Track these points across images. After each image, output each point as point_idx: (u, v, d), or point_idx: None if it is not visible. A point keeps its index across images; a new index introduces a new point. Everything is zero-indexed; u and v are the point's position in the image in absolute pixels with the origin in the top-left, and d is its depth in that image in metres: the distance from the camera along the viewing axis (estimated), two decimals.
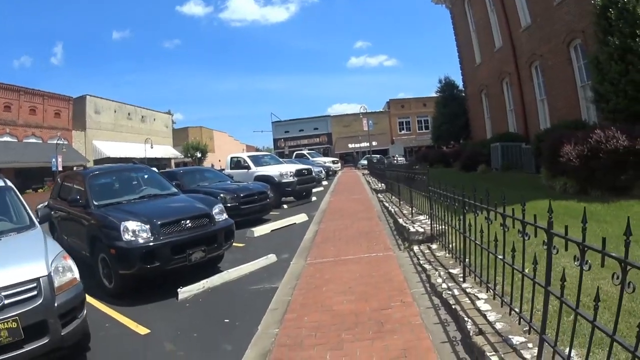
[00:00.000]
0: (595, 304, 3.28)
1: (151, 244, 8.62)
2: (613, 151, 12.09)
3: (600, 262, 3.16)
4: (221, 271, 9.77)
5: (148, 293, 8.77)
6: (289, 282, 8.43)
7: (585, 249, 3.40)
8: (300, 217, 16.52)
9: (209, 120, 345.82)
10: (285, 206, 21.25)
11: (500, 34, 30.84)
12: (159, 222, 8.97)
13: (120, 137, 63.37)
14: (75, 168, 51.19)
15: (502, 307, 5.28)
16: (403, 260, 8.96)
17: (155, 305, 8.23)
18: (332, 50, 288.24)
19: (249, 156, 24.80)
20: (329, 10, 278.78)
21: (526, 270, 4.62)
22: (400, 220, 11.79)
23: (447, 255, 8.16)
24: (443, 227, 8.41)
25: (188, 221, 9.38)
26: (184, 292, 8.50)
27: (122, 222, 8.71)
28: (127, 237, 8.55)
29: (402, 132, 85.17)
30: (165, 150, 75.48)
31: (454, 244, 7.62)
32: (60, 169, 43.51)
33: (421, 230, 9.94)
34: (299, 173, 22.51)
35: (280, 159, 27.96)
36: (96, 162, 55.52)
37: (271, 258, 10.61)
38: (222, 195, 15.88)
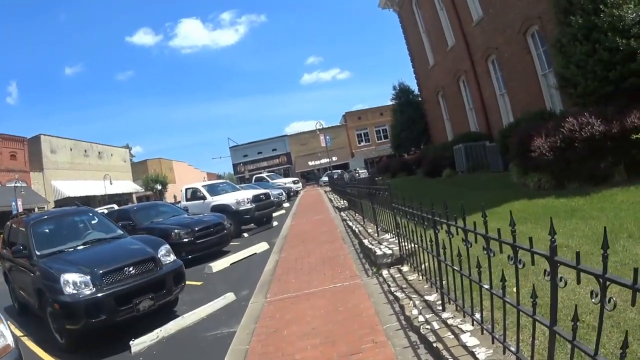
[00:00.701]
0: (622, 352, 2.47)
1: (95, 296, 7.85)
2: (589, 138, 11.36)
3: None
4: (177, 316, 8.93)
5: (102, 346, 8.09)
6: (247, 325, 7.46)
7: (607, 283, 2.51)
8: (261, 246, 15.57)
9: (169, 151, 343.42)
10: (245, 235, 20.21)
11: (452, 31, 30.02)
12: (100, 272, 8.20)
13: (79, 176, 62.28)
14: (36, 210, 50.52)
15: (493, 343, 4.37)
16: (372, 288, 7.98)
17: None
18: (285, 68, 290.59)
19: (203, 186, 23.60)
20: (277, 28, 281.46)
21: (522, 302, 3.75)
22: (366, 241, 10.84)
23: (421, 278, 7.21)
24: (413, 246, 7.50)
25: (131, 268, 8.58)
26: (137, 344, 7.67)
27: (62, 275, 8.00)
28: (68, 290, 7.85)
29: (362, 144, 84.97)
30: (126, 185, 74.62)
31: (427, 264, 6.66)
32: (20, 211, 42.61)
33: (389, 252, 8.97)
34: (256, 199, 21.55)
35: (237, 186, 26.86)
36: (57, 202, 54.69)
37: (229, 297, 9.67)
38: (176, 231, 15.07)
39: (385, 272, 8.39)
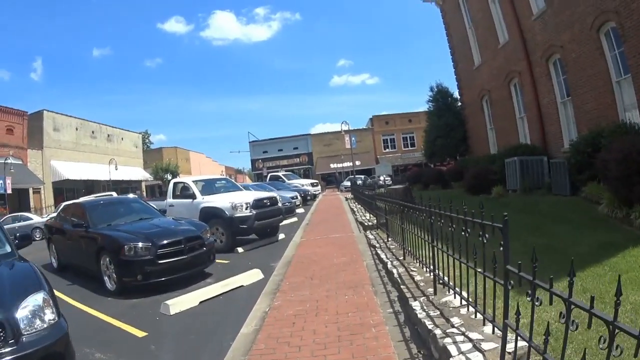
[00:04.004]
0: None
1: None
2: None
3: None
4: None
5: None
6: None
7: None
8: (252, 275, 10.99)
9: (191, 141, 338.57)
10: (240, 250, 15.52)
11: (506, 25, 25.62)
12: None
13: (83, 158, 58.93)
14: (30, 190, 47.29)
15: None
16: None
17: None
18: (315, 69, 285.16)
19: (194, 181, 18.71)
20: (311, 28, 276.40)
21: None
22: (416, 306, 6.20)
23: None
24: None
25: None
26: None
27: None
28: None
29: (387, 150, 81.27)
30: (135, 172, 71.06)
31: None
32: (9, 191, 39.32)
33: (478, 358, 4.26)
34: (258, 204, 16.53)
35: (240, 184, 21.69)
36: (54, 184, 52.69)
37: None
38: (131, 244, 10.50)
39: None
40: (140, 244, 10.52)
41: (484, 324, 4.93)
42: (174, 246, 10.92)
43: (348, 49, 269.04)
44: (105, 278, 10.98)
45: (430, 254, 7.04)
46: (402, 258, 9.59)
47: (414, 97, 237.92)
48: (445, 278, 6.42)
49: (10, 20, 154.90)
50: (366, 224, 16.99)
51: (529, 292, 3.47)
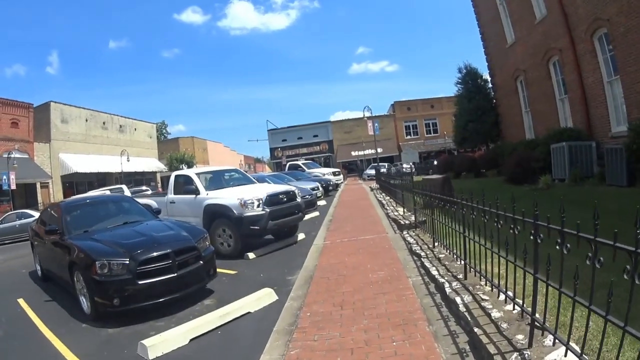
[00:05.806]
0: None
1: None
2: None
3: None
4: None
5: None
6: None
7: None
8: (262, 297, 8.43)
9: (210, 132, 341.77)
10: (250, 255, 12.96)
11: None
12: None
13: (93, 150, 57.67)
14: (38, 185, 45.62)
15: None
16: None
17: None
18: (334, 57, 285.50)
19: (198, 174, 15.60)
20: (330, 16, 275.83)
21: None
22: None
23: None
24: None
25: None
26: None
27: None
28: None
29: (409, 137, 78.74)
30: (149, 163, 69.80)
31: None
32: (13, 187, 37.41)
33: None
34: (272, 200, 13.71)
35: (253, 178, 18.03)
36: (63, 178, 51.69)
37: None
38: (104, 260, 8.07)
39: None
40: (115, 260, 8.11)
41: None
42: (160, 261, 8.36)
43: (367, 36, 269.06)
44: (81, 298, 8.69)
45: (529, 287, 4.50)
46: (461, 276, 7.04)
47: (434, 84, 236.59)
48: (538, 315, 4.09)
49: (24, 14, 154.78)
50: (401, 221, 14.17)
51: None
